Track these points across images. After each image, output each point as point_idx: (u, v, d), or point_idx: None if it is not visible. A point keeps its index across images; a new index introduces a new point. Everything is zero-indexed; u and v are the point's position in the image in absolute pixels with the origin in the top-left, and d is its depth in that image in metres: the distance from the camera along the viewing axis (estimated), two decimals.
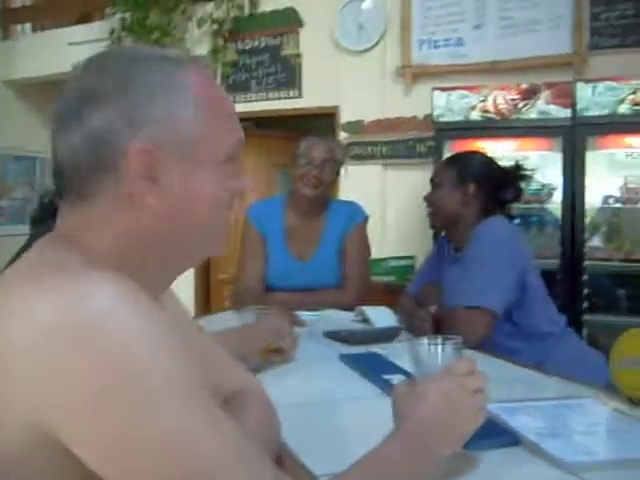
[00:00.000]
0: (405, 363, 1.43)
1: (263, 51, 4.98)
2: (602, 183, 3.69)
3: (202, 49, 5.02)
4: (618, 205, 3.69)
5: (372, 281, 2.95)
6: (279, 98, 4.93)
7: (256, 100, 4.99)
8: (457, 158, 2.35)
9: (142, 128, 0.76)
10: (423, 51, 4.40)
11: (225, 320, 2.12)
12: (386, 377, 1.44)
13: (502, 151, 3.56)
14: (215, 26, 4.96)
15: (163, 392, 0.66)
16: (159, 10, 4.94)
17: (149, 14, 4.93)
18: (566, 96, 3.61)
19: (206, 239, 0.86)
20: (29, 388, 0.65)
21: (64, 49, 5.11)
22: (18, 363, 0.65)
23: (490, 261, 1.99)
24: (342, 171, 2.75)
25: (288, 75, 4.89)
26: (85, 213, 0.79)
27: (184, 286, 4.84)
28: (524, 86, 3.73)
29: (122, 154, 0.76)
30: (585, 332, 3.48)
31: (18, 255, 0.80)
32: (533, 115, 3.68)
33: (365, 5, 4.58)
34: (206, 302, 5.34)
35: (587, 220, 3.61)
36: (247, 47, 5.03)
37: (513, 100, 3.72)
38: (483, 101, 3.78)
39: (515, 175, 2.22)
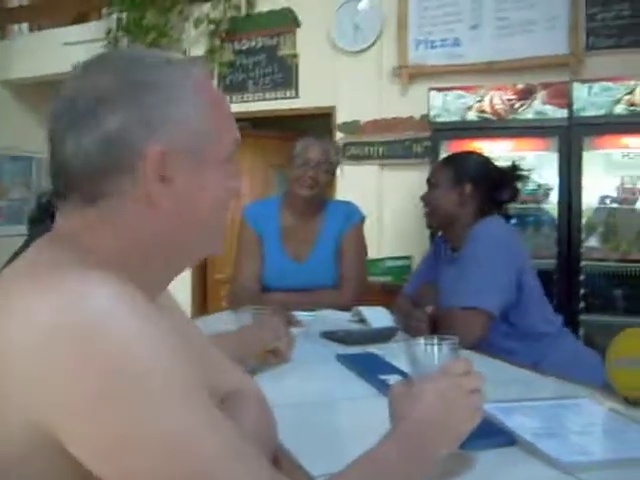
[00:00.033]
0: (402, 363, 1.43)
1: (260, 51, 4.98)
2: (598, 183, 3.70)
3: (199, 49, 5.02)
4: (615, 205, 3.70)
5: (369, 281, 2.95)
6: (276, 98, 4.93)
7: (253, 100, 4.99)
8: (454, 158, 2.35)
9: (159, 130, 0.77)
10: (419, 51, 4.41)
11: (222, 320, 2.12)
12: (383, 377, 1.44)
13: (499, 151, 3.55)
14: (212, 26, 4.96)
15: (163, 392, 0.66)
16: (156, 10, 4.94)
17: (146, 14, 4.93)
18: (562, 96, 3.62)
19: (206, 239, 0.88)
20: (29, 388, 0.65)
21: (60, 49, 5.11)
22: (18, 363, 0.65)
23: (487, 261, 1.99)
24: (338, 171, 2.75)
25: (285, 75, 4.89)
26: (90, 214, 0.78)
27: (181, 286, 4.84)
28: (520, 86, 3.73)
29: (140, 156, 0.76)
30: (582, 332, 3.49)
31: (16, 255, 0.80)
32: (529, 115, 3.69)
33: (361, 5, 4.58)
34: (203, 302, 5.34)
35: (584, 220, 3.61)
36: (244, 47, 5.03)
37: (509, 100, 3.73)
38: (479, 101, 3.79)
39: (512, 175, 2.23)
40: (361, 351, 1.79)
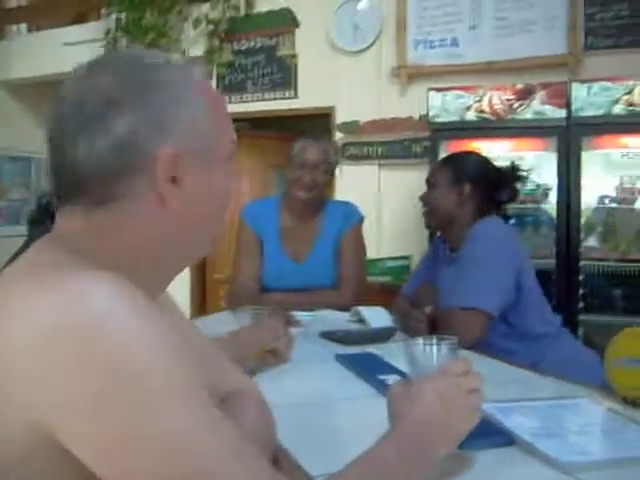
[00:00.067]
0: (400, 363, 1.43)
1: (259, 52, 4.98)
2: (597, 183, 3.70)
3: (198, 50, 5.02)
4: (614, 205, 3.70)
5: (368, 281, 2.95)
6: (275, 98, 4.93)
7: (252, 101, 4.99)
8: (453, 158, 2.35)
9: (169, 131, 0.77)
10: (418, 51, 4.41)
11: (221, 321, 2.12)
12: (381, 377, 1.44)
13: (497, 151, 3.56)
14: (211, 27, 4.95)
15: (163, 392, 0.66)
16: (155, 10, 4.93)
17: (145, 14, 4.93)
18: (561, 96, 3.62)
19: (206, 239, 0.88)
20: (29, 388, 0.65)
21: (59, 49, 5.11)
22: (18, 363, 0.65)
23: (486, 262, 1.99)
24: (337, 171, 2.75)
25: (284, 75, 4.89)
26: (96, 216, 0.78)
27: (180, 286, 4.84)
28: (519, 86, 3.73)
29: (152, 158, 0.76)
30: (581, 332, 3.49)
31: (16, 256, 0.80)
32: (528, 115, 3.69)
33: (361, 5, 4.58)
34: (202, 302, 5.34)
35: (582, 220, 3.62)
36: (243, 48, 5.03)
37: (508, 100, 3.73)
38: (478, 101, 3.79)
39: (511, 175, 2.23)
40: (360, 351, 1.79)
